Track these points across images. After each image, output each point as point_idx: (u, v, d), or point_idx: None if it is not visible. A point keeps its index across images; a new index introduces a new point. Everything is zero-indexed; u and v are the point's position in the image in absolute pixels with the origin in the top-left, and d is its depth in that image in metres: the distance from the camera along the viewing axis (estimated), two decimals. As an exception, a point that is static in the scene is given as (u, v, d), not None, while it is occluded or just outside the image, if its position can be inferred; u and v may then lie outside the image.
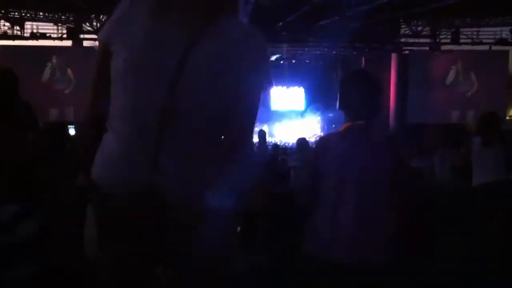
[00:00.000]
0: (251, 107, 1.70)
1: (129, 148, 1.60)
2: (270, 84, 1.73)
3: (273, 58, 19.62)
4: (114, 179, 1.61)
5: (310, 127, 20.37)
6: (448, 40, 17.54)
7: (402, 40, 18.14)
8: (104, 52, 1.65)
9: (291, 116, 21.74)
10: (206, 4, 1.64)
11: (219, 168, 1.64)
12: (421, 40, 17.90)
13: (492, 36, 17.49)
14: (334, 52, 19.38)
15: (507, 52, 17.50)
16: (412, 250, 3.39)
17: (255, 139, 10.09)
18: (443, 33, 17.73)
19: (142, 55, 1.57)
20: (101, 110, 1.69)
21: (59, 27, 17.40)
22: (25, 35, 16.70)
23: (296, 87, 21.90)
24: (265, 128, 15.87)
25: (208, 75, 1.58)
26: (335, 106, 2.83)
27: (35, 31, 17.00)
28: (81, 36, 16.70)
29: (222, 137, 1.69)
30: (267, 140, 11.21)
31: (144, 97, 1.57)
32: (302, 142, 8.04)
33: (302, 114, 21.63)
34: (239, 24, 1.68)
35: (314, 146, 2.99)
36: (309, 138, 19.39)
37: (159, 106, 1.55)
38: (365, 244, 2.54)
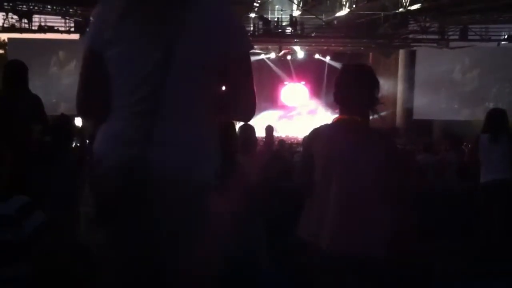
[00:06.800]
0: (242, 65, 1.82)
1: (125, 125, 1.73)
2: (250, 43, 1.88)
3: (280, 54, 19.63)
4: (110, 155, 1.72)
5: (318, 123, 20.33)
6: (456, 37, 17.47)
7: (410, 36, 18.08)
8: (92, 56, 1.80)
9: (299, 112, 21.74)
10: None
11: (214, 140, 1.80)
12: (429, 37, 17.82)
13: (500, 33, 17.42)
14: (341, 48, 19.36)
15: (516, 48, 17.45)
16: (406, 246, 3.40)
17: (262, 133, 10.07)
18: (451, 29, 17.66)
19: (133, 45, 1.73)
20: (93, 103, 1.85)
21: (67, 21, 17.43)
22: (33, 28, 16.76)
23: (304, 83, 21.89)
24: (272, 123, 15.85)
25: (194, 49, 1.71)
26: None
27: (43, 24, 17.06)
28: (89, 29, 16.74)
29: (218, 107, 1.82)
30: (274, 135, 11.18)
31: (138, 78, 1.72)
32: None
33: (310, 109, 21.62)
34: None
35: (306, 137, 2.97)
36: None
37: (151, 85, 1.70)
38: (351, 234, 2.56)
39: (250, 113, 1.92)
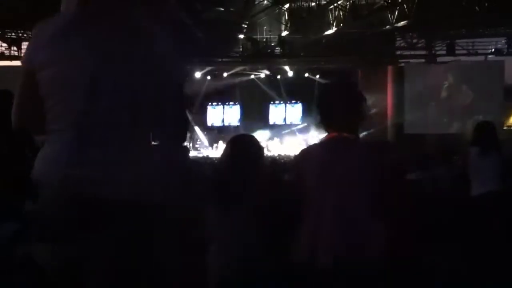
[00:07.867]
0: (174, 94, 1.84)
1: (56, 146, 1.76)
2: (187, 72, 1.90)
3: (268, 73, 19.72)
4: (44, 176, 1.75)
5: (309, 141, 20.36)
6: (444, 52, 17.64)
7: (398, 52, 18.23)
8: (31, 76, 1.82)
9: (290, 131, 21.76)
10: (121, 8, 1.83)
11: (142, 156, 1.79)
12: (417, 52, 17.99)
13: (487, 47, 17.61)
14: (330, 66, 19.45)
15: (503, 62, 17.60)
16: (402, 258, 3.41)
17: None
18: (438, 44, 17.84)
19: (64, 69, 1.76)
20: (27, 122, 1.92)
21: (56, 47, 17.44)
22: (22, 55, 16.73)
23: (294, 102, 21.93)
24: (263, 143, 15.86)
25: (123, 75, 1.75)
26: None
27: (32, 51, 17.04)
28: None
29: (149, 126, 1.82)
30: (265, 154, 11.21)
31: (67, 100, 1.76)
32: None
33: (301, 128, 21.65)
34: (151, 20, 1.83)
35: (296, 157, 3.00)
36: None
37: (80, 109, 1.73)
38: (348, 246, 2.58)
39: (183, 135, 1.98)
